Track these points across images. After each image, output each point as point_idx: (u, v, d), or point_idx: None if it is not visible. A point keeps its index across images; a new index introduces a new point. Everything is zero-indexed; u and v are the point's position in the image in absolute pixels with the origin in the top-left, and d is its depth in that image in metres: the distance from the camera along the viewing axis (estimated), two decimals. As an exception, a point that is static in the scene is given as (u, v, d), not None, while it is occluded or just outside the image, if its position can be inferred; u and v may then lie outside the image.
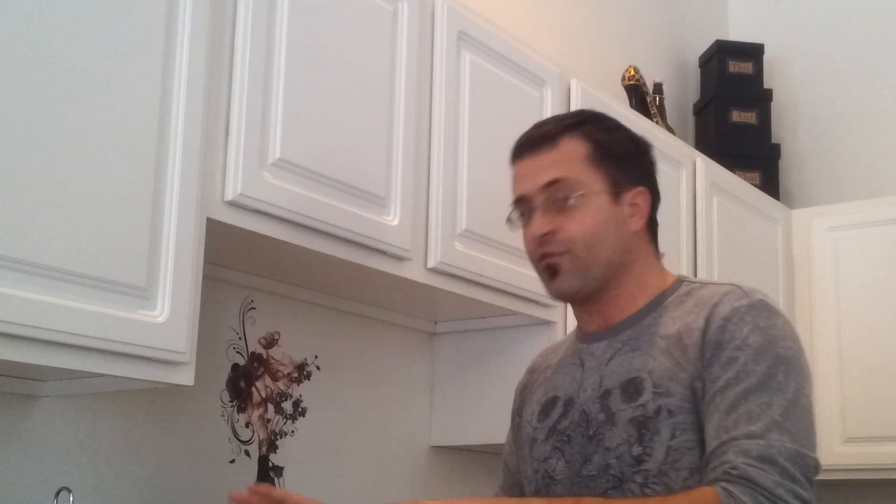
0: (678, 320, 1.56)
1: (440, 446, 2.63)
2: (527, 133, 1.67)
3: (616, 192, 1.60)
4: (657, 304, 1.61)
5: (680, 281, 1.64)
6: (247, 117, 1.80)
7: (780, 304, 3.42)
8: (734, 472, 1.40)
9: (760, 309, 1.53)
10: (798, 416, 1.45)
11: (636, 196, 1.62)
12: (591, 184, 1.59)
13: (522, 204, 1.63)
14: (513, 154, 1.67)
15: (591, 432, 1.55)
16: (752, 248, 3.35)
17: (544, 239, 1.59)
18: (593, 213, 1.58)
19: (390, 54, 2.11)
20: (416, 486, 2.58)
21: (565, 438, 1.58)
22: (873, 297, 3.40)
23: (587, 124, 1.64)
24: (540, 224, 1.59)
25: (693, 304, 1.57)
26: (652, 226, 1.67)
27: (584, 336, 1.67)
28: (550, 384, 1.69)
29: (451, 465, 2.67)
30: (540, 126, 1.67)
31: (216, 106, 1.77)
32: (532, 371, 1.80)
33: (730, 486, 1.39)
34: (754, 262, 3.35)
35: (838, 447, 3.35)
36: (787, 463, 1.41)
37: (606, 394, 1.56)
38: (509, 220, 1.66)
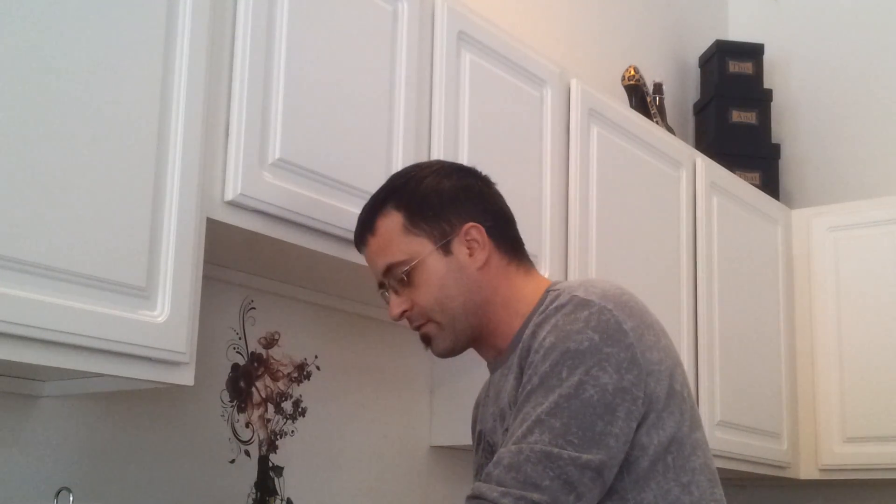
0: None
1: (440, 446, 2.63)
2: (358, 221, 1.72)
3: (444, 243, 1.62)
4: (528, 322, 1.58)
5: (548, 291, 1.60)
6: (247, 117, 1.80)
7: (780, 304, 3.43)
8: (471, 492, 1.45)
9: (567, 306, 1.50)
10: (573, 409, 1.41)
11: (467, 233, 1.63)
12: (418, 250, 1.62)
13: (381, 286, 1.71)
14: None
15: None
16: (752, 248, 3.35)
17: (404, 317, 1.67)
18: (430, 278, 1.62)
19: (390, 54, 2.11)
20: (416, 486, 2.58)
21: (484, 471, 1.59)
22: (873, 297, 3.40)
23: (396, 192, 1.66)
24: (394, 305, 1.67)
25: (540, 315, 1.55)
26: (506, 243, 1.66)
27: (489, 367, 1.71)
28: (480, 418, 1.73)
29: (451, 465, 2.66)
30: (361, 212, 1.71)
31: (216, 106, 1.77)
32: (476, 406, 1.82)
33: None
34: (754, 263, 3.35)
35: (838, 447, 3.33)
36: (531, 468, 1.39)
37: (498, 422, 1.60)
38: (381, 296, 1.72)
